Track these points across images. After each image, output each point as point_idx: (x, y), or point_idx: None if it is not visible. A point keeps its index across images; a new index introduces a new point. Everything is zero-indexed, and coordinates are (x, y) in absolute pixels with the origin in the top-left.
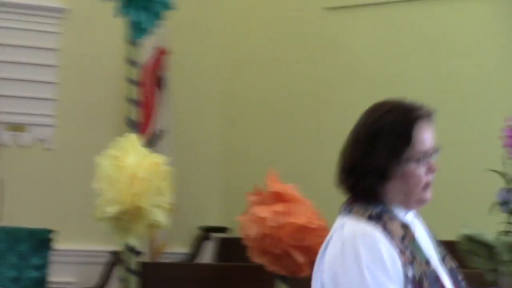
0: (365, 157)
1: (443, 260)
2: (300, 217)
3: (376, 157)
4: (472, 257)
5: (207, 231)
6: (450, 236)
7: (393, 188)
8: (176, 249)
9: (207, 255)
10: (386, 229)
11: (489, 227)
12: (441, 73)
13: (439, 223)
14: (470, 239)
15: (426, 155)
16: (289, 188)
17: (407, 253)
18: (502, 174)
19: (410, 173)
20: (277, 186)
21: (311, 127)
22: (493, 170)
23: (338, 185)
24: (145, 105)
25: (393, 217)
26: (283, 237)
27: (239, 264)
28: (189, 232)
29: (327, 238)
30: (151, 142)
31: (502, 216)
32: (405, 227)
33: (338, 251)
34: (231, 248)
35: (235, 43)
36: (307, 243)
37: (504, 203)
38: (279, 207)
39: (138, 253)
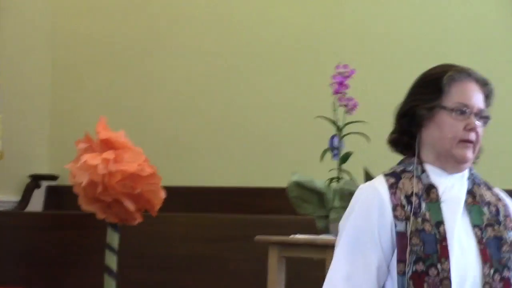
0: (404, 102)
1: (485, 227)
2: (131, 165)
3: (411, 101)
4: (302, 203)
5: (36, 179)
6: (282, 183)
7: (427, 138)
8: (6, 198)
9: (37, 203)
10: (396, 184)
11: (321, 174)
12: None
13: (271, 170)
14: (300, 185)
15: (461, 107)
16: (119, 136)
17: (407, 208)
18: (333, 121)
19: (442, 121)
20: (107, 134)
21: (140, 75)
22: (324, 117)
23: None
24: None
25: (417, 176)
26: (114, 185)
27: (70, 212)
28: (19, 180)
29: None
30: None
31: (333, 163)
32: (430, 187)
33: None
34: (61, 196)
35: None
36: (138, 191)
37: (334, 150)
38: (110, 154)
39: None
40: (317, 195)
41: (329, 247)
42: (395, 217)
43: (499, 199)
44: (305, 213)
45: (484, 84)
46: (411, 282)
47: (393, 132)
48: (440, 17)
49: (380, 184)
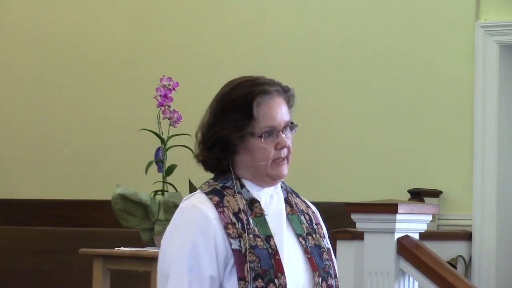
0: (211, 129)
1: (307, 235)
2: None
3: (220, 130)
4: (127, 216)
5: None
6: (107, 196)
7: (240, 163)
8: None
9: None
10: (221, 203)
11: (146, 187)
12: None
13: (96, 182)
14: (125, 198)
15: (269, 131)
16: None
17: (238, 226)
18: (157, 134)
19: (254, 148)
20: None
21: None
22: (148, 130)
23: (196, 160)
24: None
25: (239, 192)
26: None
27: None
28: None
29: None
30: None
31: (158, 176)
32: (253, 202)
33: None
34: None
35: None
36: None
37: (159, 162)
38: None
39: None
40: (142, 208)
41: (154, 260)
42: (229, 235)
43: (307, 206)
44: (130, 225)
45: (285, 92)
46: None
47: (203, 155)
48: (255, 31)
49: (203, 205)
